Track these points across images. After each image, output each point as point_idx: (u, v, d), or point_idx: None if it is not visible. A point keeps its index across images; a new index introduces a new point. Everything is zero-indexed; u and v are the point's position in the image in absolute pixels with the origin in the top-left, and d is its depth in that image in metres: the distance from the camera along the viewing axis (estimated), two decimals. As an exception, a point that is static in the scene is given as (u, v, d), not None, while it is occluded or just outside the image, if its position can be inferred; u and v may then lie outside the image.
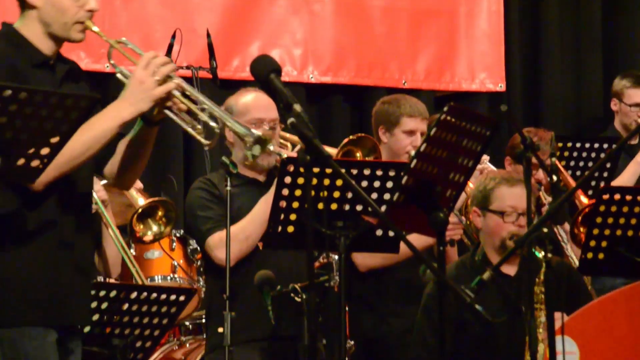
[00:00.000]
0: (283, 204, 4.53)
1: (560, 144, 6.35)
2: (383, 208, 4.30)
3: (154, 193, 6.14)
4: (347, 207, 4.48)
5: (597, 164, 6.29)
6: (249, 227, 5.01)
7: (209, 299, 5.27)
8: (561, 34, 8.34)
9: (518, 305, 4.89)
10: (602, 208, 4.72)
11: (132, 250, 5.68)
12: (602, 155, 6.35)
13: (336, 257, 4.99)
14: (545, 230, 4.10)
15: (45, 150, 3.46)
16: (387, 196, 4.49)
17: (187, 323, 6.01)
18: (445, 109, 3.94)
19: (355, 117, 7.72)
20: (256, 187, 5.24)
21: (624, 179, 6.52)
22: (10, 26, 3.86)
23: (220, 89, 6.62)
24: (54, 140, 3.45)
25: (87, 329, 4.34)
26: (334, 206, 4.47)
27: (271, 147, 5.21)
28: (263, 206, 4.92)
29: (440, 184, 3.99)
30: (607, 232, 4.73)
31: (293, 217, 4.53)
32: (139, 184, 5.98)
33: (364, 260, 5.39)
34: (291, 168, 4.51)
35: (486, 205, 5.16)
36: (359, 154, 5.42)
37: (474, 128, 4.01)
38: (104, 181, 5.03)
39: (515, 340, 4.93)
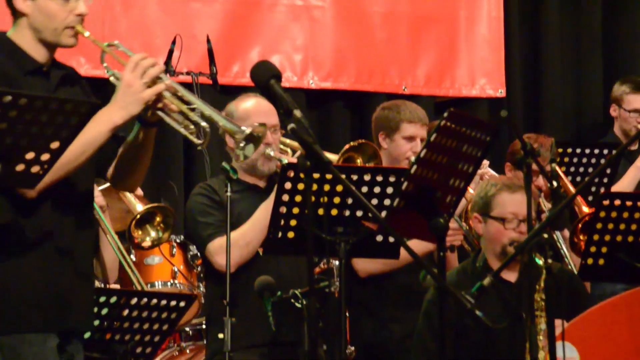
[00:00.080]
0: (283, 209, 4.53)
1: (560, 150, 6.34)
2: (383, 214, 4.30)
3: (155, 199, 6.14)
4: (347, 212, 4.48)
5: (597, 170, 6.28)
6: (249, 233, 5.01)
7: (210, 304, 5.27)
8: (561, 39, 8.35)
9: (518, 312, 4.89)
10: (602, 214, 4.72)
11: (133, 256, 5.69)
12: (602, 160, 6.35)
13: (336, 262, 5.00)
14: (545, 236, 4.10)
15: (45, 156, 3.46)
16: (387, 202, 4.49)
17: (187, 329, 6.01)
18: (445, 114, 3.94)
19: (356, 122, 7.72)
20: (256, 192, 5.24)
21: (624, 183, 6.52)
22: (3, 34, 3.87)
23: (221, 94, 6.63)
24: (54, 145, 3.45)
25: (87, 334, 4.33)
26: (334, 212, 4.47)
27: (272, 153, 5.23)
28: (263, 212, 4.92)
29: (441, 189, 3.99)
30: (607, 237, 4.74)
31: (293, 222, 4.53)
32: (139, 191, 5.99)
33: (364, 265, 5.39)
34: (291, 174, 4.51)
35: (487, 212, 5.16)
36: (359, 160, 5.42)
37: (474, 134, 4.01)
38: (102, 187, 5.03)
39: (515, 346, 4.92)
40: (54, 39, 3.83)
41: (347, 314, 4.92)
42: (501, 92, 8.00)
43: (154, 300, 4.59)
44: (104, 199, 5.20)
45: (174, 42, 6.58)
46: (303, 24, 7.48)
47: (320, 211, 4.31)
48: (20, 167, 3.44)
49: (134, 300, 4.54)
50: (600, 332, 4.85)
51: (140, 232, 5.44)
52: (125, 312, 4.54)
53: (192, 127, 3.81)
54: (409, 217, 3.96)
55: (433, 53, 7.85)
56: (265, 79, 3.50)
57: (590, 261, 4.76)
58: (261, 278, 4.85)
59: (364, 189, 4.50)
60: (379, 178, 4.51)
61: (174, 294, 5.17)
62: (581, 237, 5.63)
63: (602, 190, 6.22)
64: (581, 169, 6.39)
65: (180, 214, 6.44)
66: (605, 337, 4.84)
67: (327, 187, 4.43)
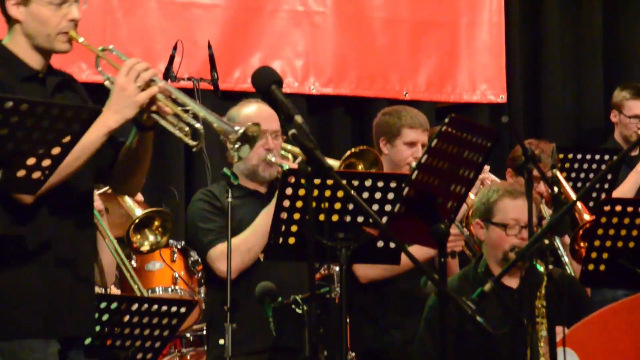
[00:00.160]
0: (284, 215, 4.53)
1: (561, 156, 6.34)
2: (384, 219, 4.30)
3: (156, 204, 6.13)
4: (348, 218, 4.48)
5: (598, 175, 6.28)
6: (250, 239, 5.01)
7: (210, 310, 5.27)
8: (562, 45, 8.35)
9: (519, 318, 4.88)
10: (603, 220, 4.72)
11: (133, 262, 5.69)
12: (603, 166, 6.35)
13: (337, 268, 4.99)
14: (546, 242, 4.10)
15: (46, 162, 3.46)
16: (388, 207, 4.49)
17: (188, 335, 6.01)
18: (446, 120, 3.93)
19: (357, 128, 7.72)
20: (257, 198, 5.24)
21: (625, 189, 6.52)
22: None
23: (222, 100, 6.64)
24: (55, 151, 3.46)
25: (88, 340, 4.34)
26: (335, 217, 4.47)
27: (273, 159, 5.24)
28: (264, 218, 4.92)
29: (442, 195, 3.99)
30: (608, 243, 4.73)
31: (294, 228, 4.53)
32: (139, 197, 5.99)
33: (365, 271, 5.39)
34: (292, 179, 4.51)
35: (489, 218, 5.16)
36: (361, 167, 5.42)
37: (475, 139, 4.00)
38: (101, 191, 5.04)
39: (516, 352, 4.92)
40: (47, 44, 3.83)
41: (348, 320, 4.91)
42: (502, 98, 8.01)
43: (155, 306, 4.58)
44: (103, 203, 5.20)
45: (175, 48, 6.58)
46: (304, 29, 7.49)
47: (321, 217, 4.31)
48: (21, 173, 3.44)
49: (135, 306, 4.54)
50: (601, 338, 4.85)
51: (138, 237, 5.44)
52: (126, 318, 4.54)
53: (186, 129, 3.81)
54: (410, 222, 3.96)
55: (434, 59, 7.85)
56: (266, 85, 3.50)
57: (591, 267, 4.76)
58: (262, 284, 4.85)
59: (365, 195, 4.49)
60: (380, 184, 4.51)
61: (175, 299, 5.16)
62: (582, 244, 5.63)
63: (603, 196, 6.22)
64: (582, 175, 6.39)
65: (181, 220, 6.44)
66: (606, 343, 4.84)
67: (328, 193, 4.43)
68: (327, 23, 7.55)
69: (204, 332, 5.80)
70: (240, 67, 7.27)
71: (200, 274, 5.79)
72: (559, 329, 4.41)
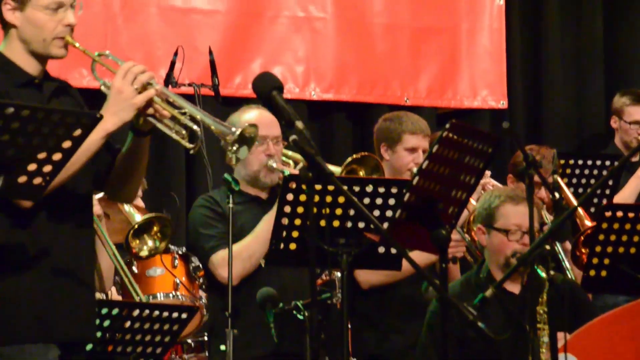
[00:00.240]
0: (285, 221, 4.53)
1: (562, 161, 6.34)
2: (385, 225, 4.29)
3: (157, 210, 6.14)
4: (349, 224, 4.48)
5: (599, 181, 6.28)
6: (252, 246, 5.00)
7: (212, 316, 5.26)
8: (563, 51, 8.35)
9: (521, 324, 4.88)
10: (604, 225, 4.71)
11: (134, 268, 5.69)
12: (604, 172, 6.35)
13: (338, 274, 4.99)
14: (547, 247, 4.10)
15: (47, 168, 3.46)
16: (389, 213, 4.49)
17: (189, 341, 6.01)
18: (447, 126, 3.93)
19: (357, 134, 7.72)
20: (259, 204, 5.24)
21: (625, 194, 6.52)
22: None
23: (223, 106, 6.63)
24: (56, 157, 3.45)
25: (89, 346, 4.33)
26: (336, 223, 4.46)
27: (274, 165, 5.24)
28: (266, 224, 4.91)
29: (443, 201, 3.99)
30: (609, 249, 4.73)
31: (295, 234, 4.53)
32: (140, 203, 5.99)
33: (367, 277, 5.38)
34: (293, 185, 4.51)
35: (491, 223, 5.16)
36: (362, 173, 5.42)
37: (475, 145, 4.00)
38: (99, 195, 5.04)
39: (518, 358, 4.91)
40: (43, 50, 3.83)
41: (350, 326, 4.91)
42: (503, 104, 8.01)
43: (156, 312, 4.58)
44: (102, 209, 5.20)
45: (176, 54, 6.58)
46: (305, 35, 7.49)
47: (322, 222, 4.30)
48: (22, 179, 3.44)
49: (136, 312, 4.54)
50: (602, 344, 4.84)
51: (137, 242, 5.44)
52: (127, 323, 4.54)
53: (183, 132, 3.81)
54: (411, 228, 3.95)
55: (435, 64, 7.85)
56: (267, 91, 3.50)
57: (592, 273, 4.75)
58: (263, 290, 4.85)
59: (366, 200, 4.49)
60: (381, 189, 4.51)
61: (176, 305, 5.16)
62: (583, 250, 5.63)
63: (604, 201, 6.22)
64: (583, 181, 6.39)
65: (182, 226, 6.44)
66: (607, 349, 4.83)
67: (329, 199, 4.42)
68: (327, 29, 7.55)
69: (205, 338, 5.80)
70: (241, 73, 7.27)
71: (201, 280, 5.79)
72: (560, 335, 4.40)
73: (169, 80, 6.55)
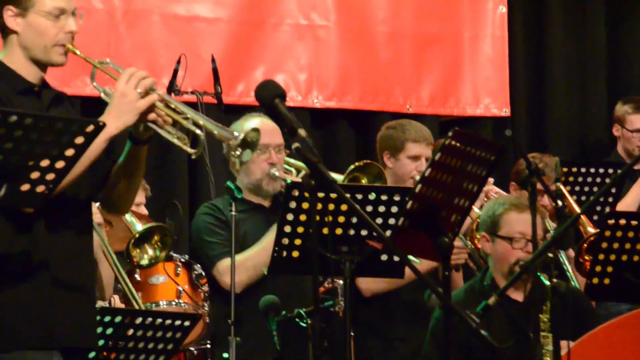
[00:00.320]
0: (288, 229, 4.53)
1: (565, 169, 6.34)
2: (388, 233, 4.29)
3: (160, 218, 6.15)
4: (352, 232, 4.48)
5: (602, 189, 6.28)
6: (257, 256, 5.00)
7: (215, 324, 5.26)
8: (566, 59, 8.36)
9: (525, 331, 4.87)
10: (607, 233, 4.71)
11: (137, 276, 5.69)
12: (607, 180, 6.34)
13: (341, 282, 4.99)
14: (550, 255, 4.09)
15: (50, 176, 3.46)
16: (392, 221, 4.49)
17: (192, 348, 6.00)
18: (450, 133, 3.93)
19: (360, 142, 7.72)
20: (261, 212, 5.25)
21: (628, 202, 6.51)
22: None
23: (225, 114, 6.64)
24: (60, 165, 3.45)
25: (92, 354, 4.33)
26: (338, 231, 4.47)
27: (276, 173, 5.24)
28: (273, 235, 4.91)
29: (445, 208, 3.99)
30: (612, 257, 4.72)
31: (298, 242, 4.53)
32: (143, 210, 5.99)
33: (368, 285, 5.37)
34: (296, 193, 4.51)
35: (495, 231, 5.16)
36: (364, 180, 5.42)
37: (478, 153, 4.00)
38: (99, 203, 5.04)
39: (522, 365, 4.91)
40: (44, 56, 3.83)
41: (352, 333, 4.90)
42: (505, 112, 8.01)
43: (159, 320, 4.58)
44: (103, 217, 5.20)
45: (178, 62, 6.59)
46: (307, 43, 7.50)
47: (325, 230, 4.31)
48: (25, 187, 3.44)
49: (139, 320, 4.54)
50: (605, 352, 4.84)
51: (138, 251, 5.44)
52: (130, 331, 4.53)
53: (185, 138, 3.81)
54: (413, 236, 3.95)
55: (437, 72, 7.86)
56: (269, 99, 3.50)
57: (595, 281, 4.75)
58: (266, 297, 4.85)
59: (369, 208, 4.49)
60: (384, 197, 4.51)
61: (179, 313, 5.16)
62: (587, 257, 5.62)
63: (607, 209, 6.21)
64: (586, 189, 6.38)
65: (185, 233, 6.44)
66: (610, 357, 4.83)
67: (331, 206, 4.43)
68: (330, 37, 7.56)
69: (208, 346, 5.80)
70: (243, 81, 7.28)
71: (204, 288, 5.79)
72: (563, 344, 4.40)
73: (171, 88, 6.56)
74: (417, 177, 4.90)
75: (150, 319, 4.56)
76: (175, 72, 6.58)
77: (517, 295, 5.14)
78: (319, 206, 4.20)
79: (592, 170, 6.38)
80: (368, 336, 5.44)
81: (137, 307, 5.35)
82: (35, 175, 3.43)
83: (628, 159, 7.02)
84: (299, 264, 4.54)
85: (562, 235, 4.37)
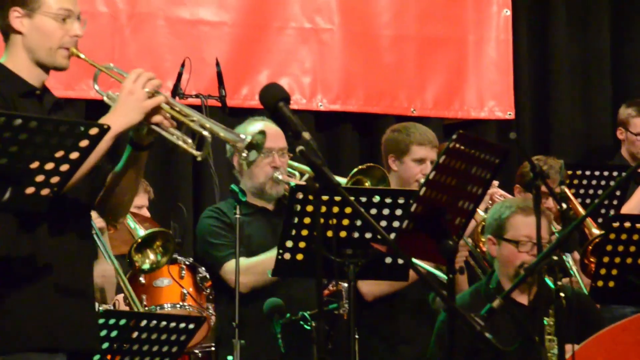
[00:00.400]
0: (292, 231, 4.53)
1: (569, 172, 6.34)
2: (392, 236, 4.29)
3: (164, 221, 6.15)
4: (356, 234, 4.48)
5: (607, 191, 6.27)
6: (267, 263, 4.99)
7: (219, 327, 5.26)
8: (570, 62, 8.35)
9: (531, 334, 4.87)
10: (612, 236, 4.71)
11: (142, 278, 5.70)
12: (612, 183, 6.34)
13: (345, 284, 4.99)
14: (555, 258, 4.09)
15: (55, 179, 3.46)
16: (396, 224, 4.49)
17: (196, 351, 6.00)
18: (454, 136, 3.93)
19: (365, 145, 7.73)
20: (265, 215, 5.25)
21: (632, 204, 6.50)
22: None
23: (230, 117, 6.64)
24: (64, 168, 3.45)
25: (96, 357, 4.33)
26: (343, 234, 4.47)
27: (280, 177, 5.24)
28: None
29: (450, 211, 3.98)
30: (617, 260, 4.72)
31: (302, 244, 4.53)
32: (146, 213, 6.00)
33: (371, 289, 5.37)
34: (300, 196, 4.51)
35: (501, 234, 5.15)
36: (368, 184, 5.42)
37: (483, 156, 4.00)
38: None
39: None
40: (48, 58, 3.83)
41: (357, 336, 4.90)
42: (510, 114, 8.00)
43: (163, 323, 4.58)
44: (103, 220, 5.20)
45: (183, 65, 6.60)
46: (312, 46, 7.50)
47: (329, 233, 4.31)
48: (30, 190, 3.44)
49: (144, 323, 4.54)
50: (610, 355, 4.83)
51: (140, 256, 5.45)
52: (135, 334, 4.54)
53: (189, 140, 3.81)
54: (418, 239, 3.95)
55: (442, 75, 7.86)
56: (274, 102, 3.50)
57: (600, 283, 4.74)
58: (270, 300, 4.85)
59: (373, 211, 4.49)
60: (388, 200, 4.51)
61: (183, 316, 5.17)
62: (592, 259, 5.62)
63: (612, 212, 6.20)
64: (590, 191, 6.38)
65: (190, 236, 6.45)
66: (615, 359, 4.82)
67: (336, 209, 4.43)
68: (334, 40, 7.56)
69: (213, 349, 5.80)
70: (247, 84, 7.28)
71: (208, 290, 5.80)
72: (568, 347, 4.39)
73: (176, 92, 6.56)
74: (422, 180, 4.90)
75: (154, 322, 4.57)
76: (180, 75, 6.59)
77: (522, 299, 5.13)
78: (323, 209, 4.19)
79: (597, 173, 6.38)
80: (373, 339, 5.44)
81: (135, 309, 5.35)
82: (39, 178, 3.43)
83: (632, 161, 7.01)
84: (303, 267, 4.54)
85: (567, 238, 4.36)
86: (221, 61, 6.77)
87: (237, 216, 4.96)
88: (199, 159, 3.81)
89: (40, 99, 3.86)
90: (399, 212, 4.51)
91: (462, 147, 3.94)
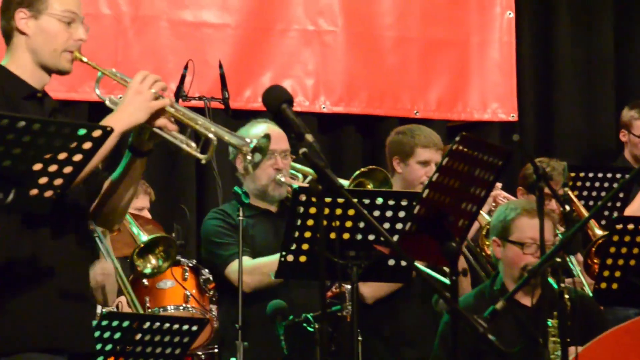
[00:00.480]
0: (295, 233, 4.53)
1: (572, 174, 6.33)
2: (395, 238, 4.29)
3: (167, 222, 6.15)
4: (359, 236, 4.48)
5: (611, 193, 6.28)
6: (272, 265, 5.00)
7: (223, 328, 5.27)
8: (573, 64, 8.35)
9: (534, 336, 4.86)
10: (615, 238, 4.71)
11: (145, 280, 5.70)
12: (615, 185, 6.34)
13: (348, 286, 4.99)
14: (558, 260, 4.09)
15: (58, 181, 3.46)
16: (399, 226, 4.49)
17: (199, 353, 6.01)
18: (457, 138, 3.93)
19: (368, 147, 7.73)
20: (269, 217, 5.26)
21: (635, 206, 6.50)
22: None
23: (233, 119, 6.65)
24: (67, 170, 3.45)
25: (100, 358, 4.34)
26: (346, 236, 4.47)
27: (282, 179, 5.25)
28: None
29: (453, 213, 3.98)
30: (620, 262, 4.72)
31: (305, 246, 4.54)
32: (147, 214, 6.00)
33: (372, 292, 5.36)
34: (303, 198, 4.51)
35: (506, 236, 5.15)
36: (370, 186, 5.42)
37: (486, 158, 4.00)
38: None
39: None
40: (52, 61, 3.83)
41: (360, 338, 4.91)
42: (513, 116, 8.00)
43: (166, 324, 4.59)
44: None
45: (186, 67, 6.60)
46: (315, 48, 7.51)
47: (333, 235, 4.31)
48: (33, 192, 3.44)
49: (147, 325, 4.55)
50: (613, 357, 4.83)
51: (142, 260, 5.46)
52: (138, 336, 4.54)
53: (193, 144, 3.80)
54: (421, 241, 3.95)
55: (445, 77, 7.85)
56: (277, 104, 3.50)
57: (603, 285, 4.75)
58: (273, 302, 4.85)
59: (376, 213, 4.50)
60: (391, 202, 4.51)
61: (186, 318, 5.17)
62: (595, 260, 5.62)
63: (615, 214, 6.20)
64: (593, 193, 6.37)
65: (193, 238, 6.45)
66: (618, 361, 4.83)
67: (339, 211, 4.43)
68: (337, 42, 7.56)
69: (216, 350, 5.80)
70: (251, 86, 7.29)
71: (211, 292, 5.80)
72: (571, 349, 4.39)
73: (179, 94, 6.57)
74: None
75: (158, 324, 4.57)
76: (183, 77, 6.60)
77: (526, 300, 5.13)
78: (326, 211, 4.20)
79: (600, 175, 6.37)
80: (376, 341, 5.44)
81: (134, 310, 5.36)
82: (43, 180, 3.43)
83: (635, 164, 7.01)
84: (306, 269, 4.55)
85: (570, 240, 4.36)
86: (224, 63, 6.77)
87: (241, 218, 4.97)
88: (203, 162, 3.81)
89: (41, 102, 3.87)
90: (402, 214, 4.51)
91: (465, 149, 3.94)
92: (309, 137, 3.39)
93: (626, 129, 7.14)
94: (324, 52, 7.52)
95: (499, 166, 4.04)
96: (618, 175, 6.41)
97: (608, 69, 8.42)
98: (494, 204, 5.83)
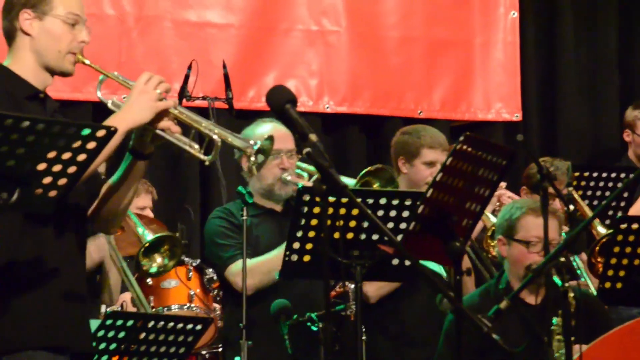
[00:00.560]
0: (299, 233, 4.53)
1: (576, 174, 6.33)
2: (399, 237, 4.30)
3: (171, 223, 6.16)
4: (363, 236, 4.48)
5: (615, 193, 6.27)
6: (271, 262, 5.01)
7: (227, 328, 5.27)
8: (577, 64, 8.35)
9: (539, 335, 4.86)
10: (619, 237, 4.71)
11: (149, 280, 5.71)
12: (619, 184, 6.33)
13: (352, 286, 5.00)
14: (562, 259, 4.09)
15: (62, 181, 3.46)
16: (403, 225, 4.49)
17: (204, 352, 6.01)
18: (461, 138, 3.94)
19: (371, 147, 7.73)
20: (273, 217, 5.26)
21: (639, 207, 6.50)
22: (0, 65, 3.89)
23: (237, 119, 6.65)
24: (72, 170, 3.46)
25: (104, 358, 4.34)
26: (350, 235, 4.47)
27: (288, 178, 5.25)
28: None
29: (457, 213, 3.98)
30: (625, 261, 4.72)
31: (309, 246, 4.54)
32: (149, 213, 6.01)
33: (375, 291, 5.36)
34: (307, 197, 4.52)
35: (512, 234, 5.16)
36: (376, 185, 5.42)
37: (490, 158, 4.00)
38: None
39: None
40: (55, 62, 3.83)
41: (364, 337, 4.91)
42: (517, 116, 8.00)
43: (171, 324, 4.59)
44: None
45: (190, 68, 6.61)
46: (318, 49, 7.51)
47: (336, 235, 4.31)
48: (38, 192, 3.44)
49: (151, 324, 4.55)
50: (618, 357, 4.83)
51: (147, 259, 5.47)
52: (142, 335, 4.54)
53: (196, 146, 3.81)
54: (425, 240, 3.95)
55: (449, 77, 7.86)
56: (280, 104, 3.50)
57: (608, 285, 4.75)
58: (277, 302, 4.86)
59: (380, 213, 4.50)
60: (395, 201, 4.52)
61: (191, 317, 5.17)
62: (599, 258, 5.62)
63: (619, 214, 6.20)
64: (598, 193, 6.37)
65: (197, 238, 6.46)
66: (623, 360, 4.83)
67: (343, 211, 4.43)
68: (341, 42, 7.57)
69: (220, 350, 5.81)
70: (254, 86, 7.29)
71: (215, 292, 5.81)
72: (576, 347, 4.39)
73: (183, 94, 6.57)
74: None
75: (162, 323, 4.57)
76: (187, 77, 6.60)
77: (531, 299, 5.13)
78: (330, 210, 4.20)
79: (604, 174, 6.37)
80: (380, 340, 5.44)
81: (142, 310, 5.37)
82: (47, 180, 3.44)
83: (639, 163, 7.00)
84: (310, 268, 4.55)
85: (574, 239, 4.37)
86: (228, 63, 6.78)
87: (244, 218, 4.97)
88: (207, 163, 3.81)
89: (44, 103, 3.87)
90: (406, 213, 4.51)
91: (469, 149, 3.94)
92: (313, 137, 3.39)
93: (630, 128, 7.14)
94: (327, 52, 7.52)
95: (503, 166, 4.04)
96: (622, 175, 6.41)
97: (612, 69, 8.42)
98: (498, 204, 5.83)
